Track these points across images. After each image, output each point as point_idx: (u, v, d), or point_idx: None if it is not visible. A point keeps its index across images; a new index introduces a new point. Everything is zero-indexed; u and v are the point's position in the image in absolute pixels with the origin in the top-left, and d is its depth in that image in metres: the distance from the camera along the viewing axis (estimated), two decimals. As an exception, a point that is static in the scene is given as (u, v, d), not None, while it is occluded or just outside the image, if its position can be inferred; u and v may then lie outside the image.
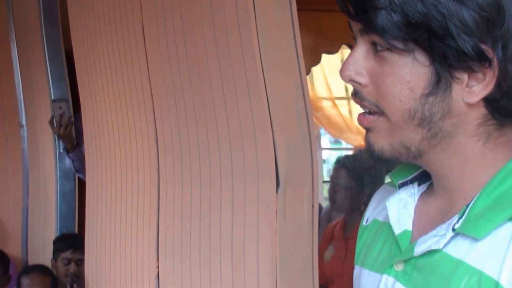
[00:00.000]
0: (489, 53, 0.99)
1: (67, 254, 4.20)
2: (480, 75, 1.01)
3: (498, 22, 0.99)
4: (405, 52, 1.02)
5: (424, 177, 1.18)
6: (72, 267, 4.17)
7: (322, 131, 7.07)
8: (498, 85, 1.01)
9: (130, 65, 3.31)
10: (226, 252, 2.49)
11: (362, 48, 1.07)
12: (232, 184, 2.46)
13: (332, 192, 4.19)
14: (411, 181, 1.19)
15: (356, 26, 1.07)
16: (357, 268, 1.27)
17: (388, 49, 1.03)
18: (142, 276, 3.25)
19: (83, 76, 4.02)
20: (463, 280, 1.01)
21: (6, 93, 5.36)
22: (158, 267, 3.07)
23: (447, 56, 1.00)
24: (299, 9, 2.28)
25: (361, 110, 1.11)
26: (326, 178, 7.90)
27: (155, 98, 3.08)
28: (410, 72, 1.03)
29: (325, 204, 5.54)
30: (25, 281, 3.96)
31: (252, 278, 2.33)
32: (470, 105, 1.03)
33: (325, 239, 3.99)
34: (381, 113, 1.07)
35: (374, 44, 1.05)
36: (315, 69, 5.77)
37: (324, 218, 4.51)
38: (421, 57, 1.02)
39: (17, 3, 5.21)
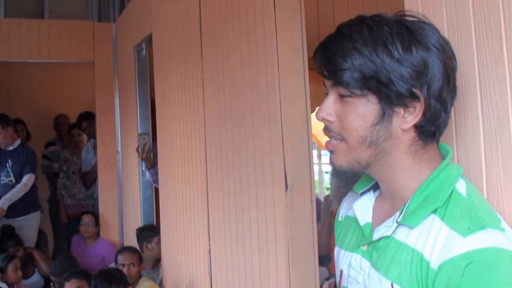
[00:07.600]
0: (418, 93, 1.02)
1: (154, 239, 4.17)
2: (411, 109, 1.03)
3: (425, 73, 1.02)
4: (362, 96, 1.03)
5: (376, 186, 1.18)
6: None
7: (323, 152, 7.02)
8: (424, 115, 1.03)
9: (191, 106, 3.33)
10: (253, 233, 2.49)
11: (332, 97, 1.08)
12: (256, 188, 2.44)
13: (331, 190, 4.29)
14: (368, 190, 1.19)
15: (328, 83, 1.08)
16: (336, 248, 1.26)
17: (350, 96, 1.04)
18: (199, 251, 3.26)
19: (160, 117, 4.08)
20: (402, 255, 1.03)
21: (109, 129, 5.39)
22: (209, 245, 3.07)
23: (390, 96, 1.02)
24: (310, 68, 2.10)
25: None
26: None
27: (207, 128, 3.07)
28: (364, 109, 1.04)
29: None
30: (120, 257, 3.88)
31: (271, 250, 2.32)
32: (404, 131, 1.05)
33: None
34: (342, 139, 1.07)
35: (340, 94, 1.06)
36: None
37: (325, 206, 4.57)
38: (372, 98, 1.03)
39: (122, 70, 5.28)
